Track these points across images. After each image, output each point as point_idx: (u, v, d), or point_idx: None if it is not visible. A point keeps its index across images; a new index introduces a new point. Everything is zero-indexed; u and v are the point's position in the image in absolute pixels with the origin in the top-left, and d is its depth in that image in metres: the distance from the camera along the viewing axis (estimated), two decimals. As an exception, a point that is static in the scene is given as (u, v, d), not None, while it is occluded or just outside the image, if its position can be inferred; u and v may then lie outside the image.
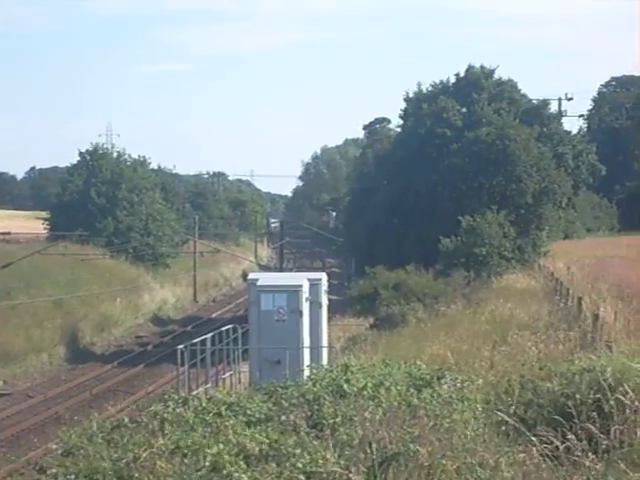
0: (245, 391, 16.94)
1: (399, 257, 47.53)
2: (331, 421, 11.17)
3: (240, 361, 24.57)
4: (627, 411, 10.99)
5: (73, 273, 53.33)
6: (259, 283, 24.43)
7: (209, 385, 22.01)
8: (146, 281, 63.99)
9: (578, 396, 11.54)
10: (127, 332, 55.05)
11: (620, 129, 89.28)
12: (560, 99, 72.05)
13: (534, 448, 10.02)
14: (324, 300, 25.67)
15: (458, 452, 9.77)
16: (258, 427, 11.06)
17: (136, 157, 73.97)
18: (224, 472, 9.55)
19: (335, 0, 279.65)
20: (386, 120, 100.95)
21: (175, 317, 64.04)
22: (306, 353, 23.54)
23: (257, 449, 10.05)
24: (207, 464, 9.69)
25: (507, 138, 50.46)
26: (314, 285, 25.04)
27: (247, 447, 10.06)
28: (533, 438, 10.44)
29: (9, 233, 65.36)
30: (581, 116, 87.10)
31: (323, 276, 26.59)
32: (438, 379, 13.65)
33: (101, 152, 71.10)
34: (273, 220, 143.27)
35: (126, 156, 72.71)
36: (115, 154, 72.39)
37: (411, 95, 57.19)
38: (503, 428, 11.24)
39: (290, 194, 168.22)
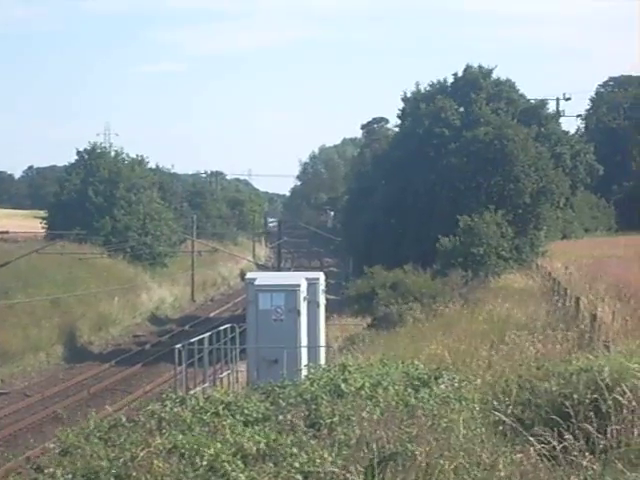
0: (243, 390, 16.98)
1: (397, 257, 47.54)
2: (329, 421, 11.17)
3: (238, 360, 24.57)
4: (624, 411, 10.99)
5: (71, 272, 53.29)
6: (257, 282, 24.44)
7: (207, 384, 21.99)
8: (144, 280, 63.97)
9: (576, 396, 11.53)
10: (125, 331, 55.02)
11: (618, 129, 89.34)
12: (558, 99, 72.08)
13: (531, 448, 10.02)
14: (322, 300, 25.71)
15: (456, 452, 9.78)
16: (256, 427, 11.06)
17: (134, 156, 74.15)
18: (221, 471, 9.57)
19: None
20: (384, 120, 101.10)
21: (173, 316, 64.02)
22: (304, 353, 23.56)
23: (255, 448, 10.06)
24: (205, 463, 9.71)
25: (505, 138, 50.43)
26: (312, 285, 25.07)
27: (245, 446, 10.07)
28: (531, 438, 10.44)
29: (7, 232, 65.12)
30: (579, 116, 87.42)
31: (321, 276, 26.63)
32: (436, 379, 13.66)
33: (99, 151, 71.08)
34: (271, 219, 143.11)
35: (124, 155, 72.77)
36: (113, 153, 72.36)
37: (409, 95, 57.16)
38: (501, 428, 11.25)
39: (288, 193, 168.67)
